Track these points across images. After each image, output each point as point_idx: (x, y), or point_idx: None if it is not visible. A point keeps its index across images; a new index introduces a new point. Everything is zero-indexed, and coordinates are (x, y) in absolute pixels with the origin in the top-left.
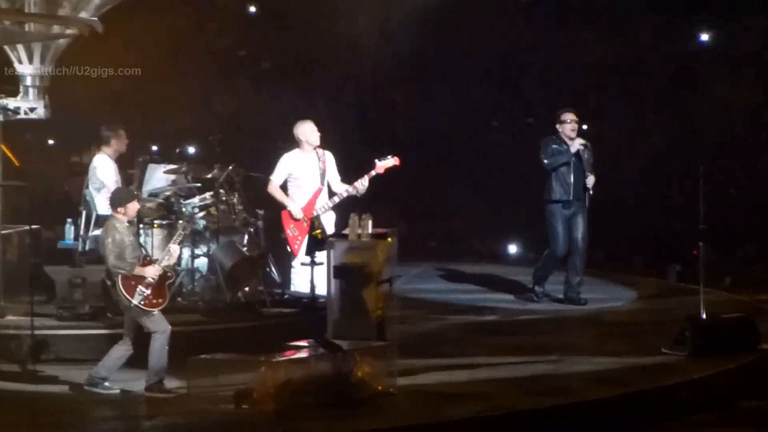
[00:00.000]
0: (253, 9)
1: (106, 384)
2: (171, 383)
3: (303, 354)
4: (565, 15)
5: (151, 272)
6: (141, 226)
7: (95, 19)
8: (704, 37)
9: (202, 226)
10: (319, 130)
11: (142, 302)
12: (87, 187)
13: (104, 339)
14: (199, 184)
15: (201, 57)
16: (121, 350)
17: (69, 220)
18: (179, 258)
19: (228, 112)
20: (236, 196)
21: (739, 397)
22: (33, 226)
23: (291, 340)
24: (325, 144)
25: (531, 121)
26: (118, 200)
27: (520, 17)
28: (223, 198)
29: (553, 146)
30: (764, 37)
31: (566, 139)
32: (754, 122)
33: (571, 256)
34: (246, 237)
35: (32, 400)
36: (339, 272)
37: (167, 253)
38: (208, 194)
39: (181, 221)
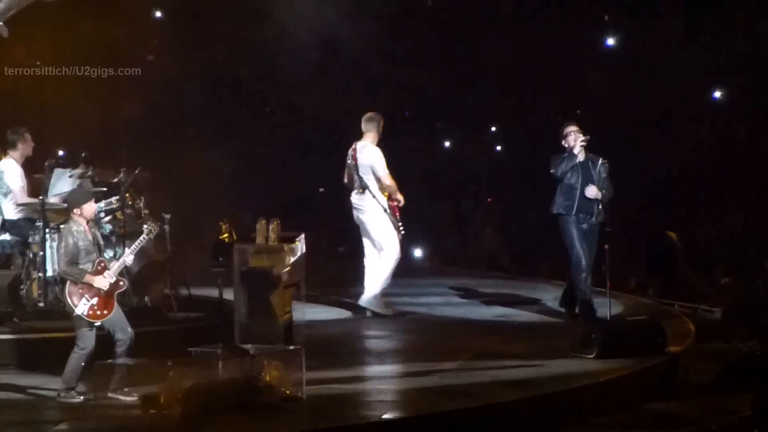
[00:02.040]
0: (159, 13)
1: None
2: (80, 387)
3: (210, 358)
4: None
5: (99, 283)
6: (47, 230)
7: (1, 24)
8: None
9: (108, 231)
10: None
11: (85, 312)
12: None
13: (10, 344)
14: (105, 189)
15: (108, 61)
16: (118, 351)
17: None
18: None
19: (134, 115)
20: (142, 200)
21: (646, 399)
22: None
23: (198, 344)
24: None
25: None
26: (73, 202)
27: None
28: (129, 202)
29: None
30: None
31: (571, 150)
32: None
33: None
34: (152, 241)
35: None
36: (246, 276)
37: (122, 262)
38: (114, 198)
39: (146, 226)
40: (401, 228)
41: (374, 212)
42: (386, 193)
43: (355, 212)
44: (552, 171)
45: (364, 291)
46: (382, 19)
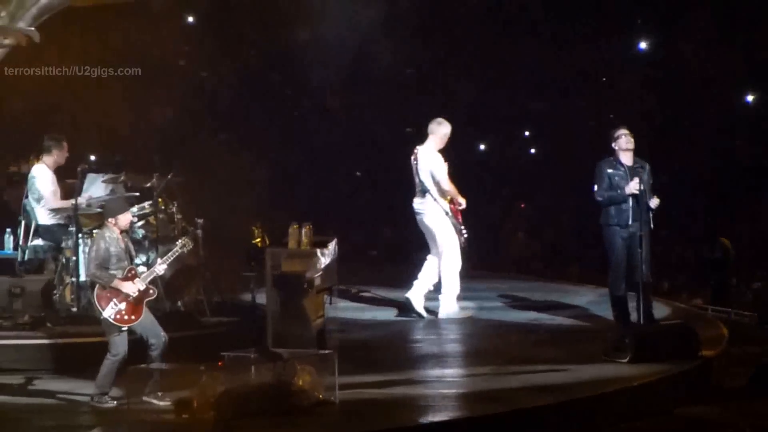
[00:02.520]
0: (191, 19)
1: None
2: (113, 392)
3: (243, 363)
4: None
5: (128, 288)
6: (80, 235)
7: (33, 29)
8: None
9: (141, 236)
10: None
11: (112, 316)
12: (26, 197)
13: (43, 349)
14: (137, 194)
15: (139, 65)
16: (151, 356)
17: (8, 229)
18: None
19: (166, 120)
20: (175, 205)
21: (679, 403)
22: None
23: (231, 348)
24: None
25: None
26: (110, 210)
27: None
28: (162, 207)
29: (608, 170)
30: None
31: (622, 155)
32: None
33: (632, 279)
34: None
35: None
36: (279, 280)
37: (153, 271)
38: (146, 203)
39: (180, 241)
40: (464, 231)
41: (435, 216)
42: (448, 198)
43: (417, 216)
44: (599, 199)
45: (440, 305)
46: (414, 23)
